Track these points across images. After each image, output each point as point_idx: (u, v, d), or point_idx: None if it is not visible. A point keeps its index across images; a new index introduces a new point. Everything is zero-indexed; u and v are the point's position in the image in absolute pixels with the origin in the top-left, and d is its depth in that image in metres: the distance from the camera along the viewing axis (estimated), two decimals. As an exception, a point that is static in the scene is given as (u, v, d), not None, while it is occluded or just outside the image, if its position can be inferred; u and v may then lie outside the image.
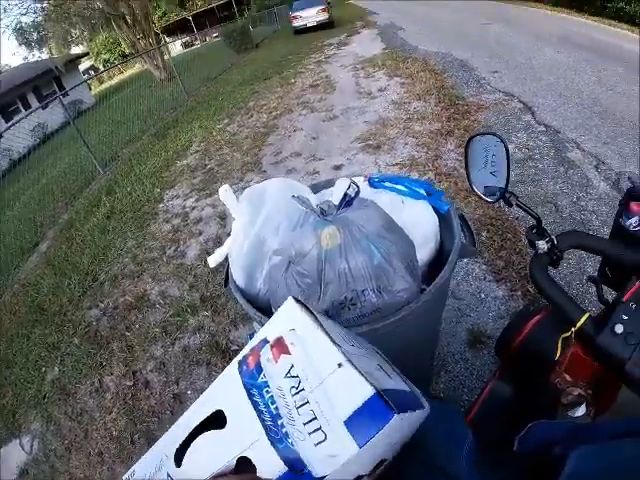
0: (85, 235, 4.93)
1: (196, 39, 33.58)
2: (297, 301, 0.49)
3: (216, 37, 24.63)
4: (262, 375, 0.44)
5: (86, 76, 26.69)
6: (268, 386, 0.43)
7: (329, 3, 20.53)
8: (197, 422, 0.46)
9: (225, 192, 1.24)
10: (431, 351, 1.71)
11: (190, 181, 5.41)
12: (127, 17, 15.80)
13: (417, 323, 1.14)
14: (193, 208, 4.68)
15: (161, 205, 5.04)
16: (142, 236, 4.47)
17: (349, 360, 0.41)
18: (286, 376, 0.42)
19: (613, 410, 0.79)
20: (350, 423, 0.37)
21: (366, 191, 1.40)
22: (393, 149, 4.70)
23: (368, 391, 0.38)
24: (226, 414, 0.45)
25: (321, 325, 0.45)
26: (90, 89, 22.00)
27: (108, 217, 5.16)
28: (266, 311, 1.14)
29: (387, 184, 1.43)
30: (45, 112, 12.03)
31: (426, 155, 4.39)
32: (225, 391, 0.47)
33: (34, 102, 17.17)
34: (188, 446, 0.46)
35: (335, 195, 1.30)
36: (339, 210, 1.18)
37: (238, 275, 1.22)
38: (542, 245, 0.87)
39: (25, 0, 15.59)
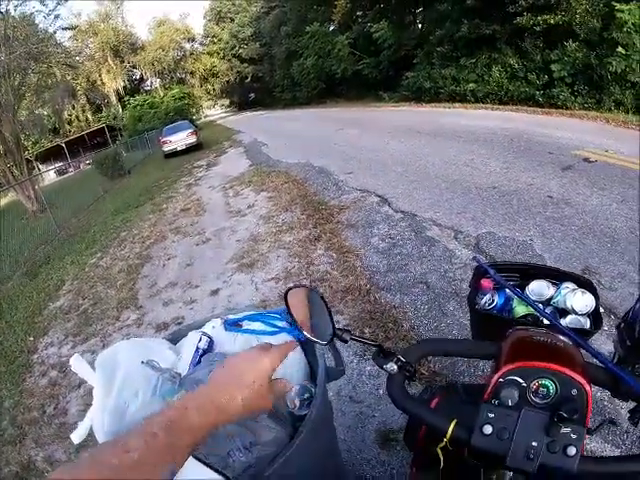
0: None
1: (70, 166, 33.08)
2: (199, 460, 0.61)
3: (89, 164, 24.62)
4: None
5: None
6: None
7: (197, 126, 21.74)
8: None
9: (77, 362, 1.21)
10: (335, 473, 1.60)
11: (64, 325, 5.15)
12: (-3, 145, 15.36)
13: (305, 460, 1.09)
14: (69, 357, 4.43)
15: (36, 356, 4.70)
16: (19, 393, 4.10)
17: None
18: None
19: None
20: None
21: (222, 336, 1.42)
22: (267, 264, 4.92)
23: None
24: None
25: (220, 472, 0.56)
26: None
27: None
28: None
29: (244, 323, 1.46)
30: None
31: (299, 264, 4.64)
32: None
33: None
34: None
35: (187, 351, 1.35)
36: (188, 371, 1.23)
37: None
38: (391, 367, 0.87)
39: None
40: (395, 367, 0.86)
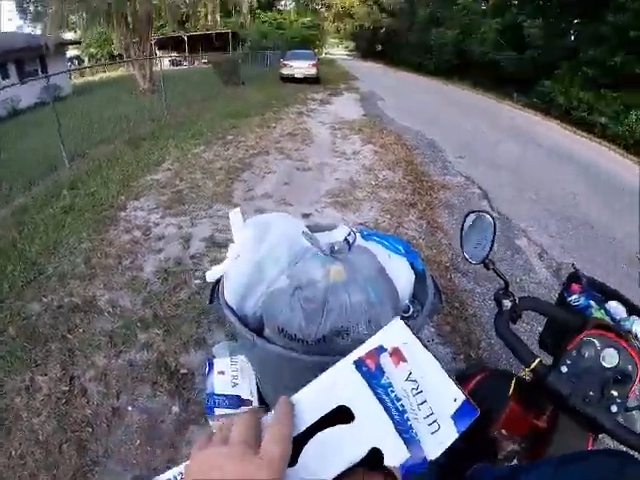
0: (38, 224, 4.70)
1: (185, 60, 33.86)
2: (403, 321, 0.59)
3: (205, 63, 25.00)
4: (385, 377, 0.53)
5: (70, 64, 25.96)
6: (392, 386, 0.52)
7: (319, 60, 21.44)
8: (316, 418, 0.49)
9: (235, 215, 1.32)
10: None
11: (157, 197, 5.36)
12: (129, 18, 15.83)
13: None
14: (157, 224, 4.62)
15: (123, 213, 4.94)
16: (99, 240, 4.33)
17: (449, 376, 0.54)
18: (407, 380, 0.53)
19: None
20: (455, 417, 0.50)
21: (358, 240, 1.51)
22: (360, 210, 4.99)
23: (463, 397, 0.52)
24: (353, 410, 0.50)
25: (425, 345, 0.57)
26: (70, 78, 21.35)
27: (66, 212, 4.96)
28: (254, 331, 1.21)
29: (375, 238, 1.54)
30: (21, 87, 11.71)
31: (389, 221, 4.70)
32: (345, 389, 0.52)
33: (13, 73, 16.60)
34: (302, 443, 0.48)
35: (336, 238, 1.42)
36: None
37: (230, 295, 1.29)
38: (507, 304, 1.09)
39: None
40: (509, 305, 1.09)
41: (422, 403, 0.51)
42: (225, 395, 1.23)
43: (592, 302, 1.25)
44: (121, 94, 12.50)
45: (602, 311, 1.19)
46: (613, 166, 9.07)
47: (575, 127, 13.79)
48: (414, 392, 0.52)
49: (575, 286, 1.33)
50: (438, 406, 0.51)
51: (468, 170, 6.88)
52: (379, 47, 48.31)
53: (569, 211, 5.69)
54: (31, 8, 16.16)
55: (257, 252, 1.29)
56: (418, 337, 0.58)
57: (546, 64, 17.76)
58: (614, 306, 1.27)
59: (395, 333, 0.58)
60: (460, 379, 1.34)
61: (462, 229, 1.30)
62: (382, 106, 12.94)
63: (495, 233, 1.15)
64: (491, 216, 1.19)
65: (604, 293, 1.33)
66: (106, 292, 3.50)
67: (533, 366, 0.96)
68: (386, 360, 0.54)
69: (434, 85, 22.72)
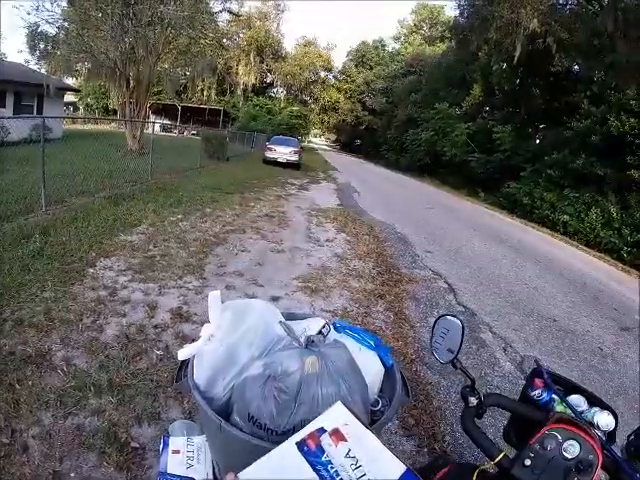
0: (3, 262, 4.57)
1: (175, 128, 35.01)
2: (345, 405, 0.67)
3: (194, 134, 25.94)
4: (325, 455, 0.59)
5: (65, 109, 26.41)
6: (332, 463, 0.58)
7: (302, 148, 22.54)
8: None
9: (214, 298, 1.31)
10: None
11: (128, 259, 5.31)
12: (131, 80, 16.59)
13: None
14: (124, 287, 4.54)
15: (92, 270, 4.86)
16: (63, 292, 4.20)
17: (389, 451, 0.61)
18: (346, 456, 0.59)
19: None
20: None
21: (331, 333, 1.53)
22: (329, 297, 5.07)
23: (403, 468, 0.59)
24: None
25: (364, 424, 0.64)
26: (62, 123, 21.59)
27: (34, 256, 4.84)
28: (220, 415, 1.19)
29: (347, 331, 1.57)
30: (13, 121, 11.83)
31: (357, 310, 4.81)
32: (287, 466, 0.58)
33: (9, 104, 17.10)
34: None
35: (311, 330, 1.45)
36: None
37: (199, 376, 1.28)
38: (473, 400, 1.18)
39: (57, 14, 16.29)
40: (475, 402, 1.17)
41: (361, 477, 0.57)
42: (179, 476, 1.15)
43: (554, 396, 1.31)
44: (109, 150, 12.60)
45: (564, 404, 1.25)
46: (575, 262, 9.95)
47: (538, 225, 14.87)
48: (353, 467, 0.58)
49: (538, 381, 1.38)
50: (378, 478, 0.58)
51: (435, 264, 7.23)
52: (359, 142, 51.50)
53: (532, 305, 6.07)
54: (41, 45, 16.65)
55: (232, 335, 1.30)
56: (358, 417, 0.66)
57: (512, 166, 19.19)
58: (575, 399, 1.33)
59: (336, 415, 0.67)
60: (424, 473, 1.35)
61: (433, 331, 1.38)
62: (357, 198, 13.67)
63: (463, 336, 1.25)
64: (460, 320, 1.30)
65: (566, 387, 1.39)
66: (62, 348, 3.38)
67: (498, 459, 1.02)
68: (326, 440, 0.62)
69: (408, 181, 23.99)
